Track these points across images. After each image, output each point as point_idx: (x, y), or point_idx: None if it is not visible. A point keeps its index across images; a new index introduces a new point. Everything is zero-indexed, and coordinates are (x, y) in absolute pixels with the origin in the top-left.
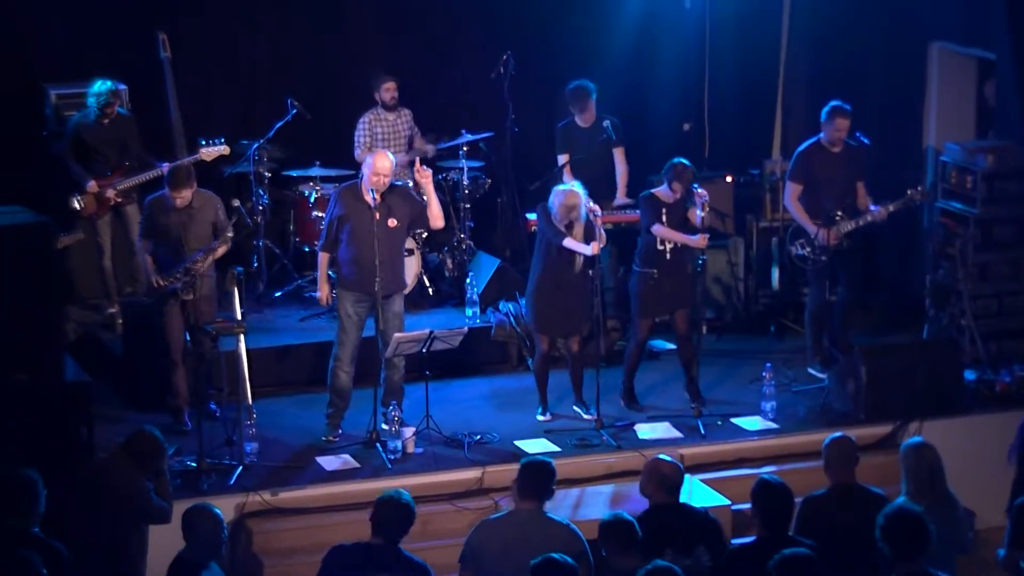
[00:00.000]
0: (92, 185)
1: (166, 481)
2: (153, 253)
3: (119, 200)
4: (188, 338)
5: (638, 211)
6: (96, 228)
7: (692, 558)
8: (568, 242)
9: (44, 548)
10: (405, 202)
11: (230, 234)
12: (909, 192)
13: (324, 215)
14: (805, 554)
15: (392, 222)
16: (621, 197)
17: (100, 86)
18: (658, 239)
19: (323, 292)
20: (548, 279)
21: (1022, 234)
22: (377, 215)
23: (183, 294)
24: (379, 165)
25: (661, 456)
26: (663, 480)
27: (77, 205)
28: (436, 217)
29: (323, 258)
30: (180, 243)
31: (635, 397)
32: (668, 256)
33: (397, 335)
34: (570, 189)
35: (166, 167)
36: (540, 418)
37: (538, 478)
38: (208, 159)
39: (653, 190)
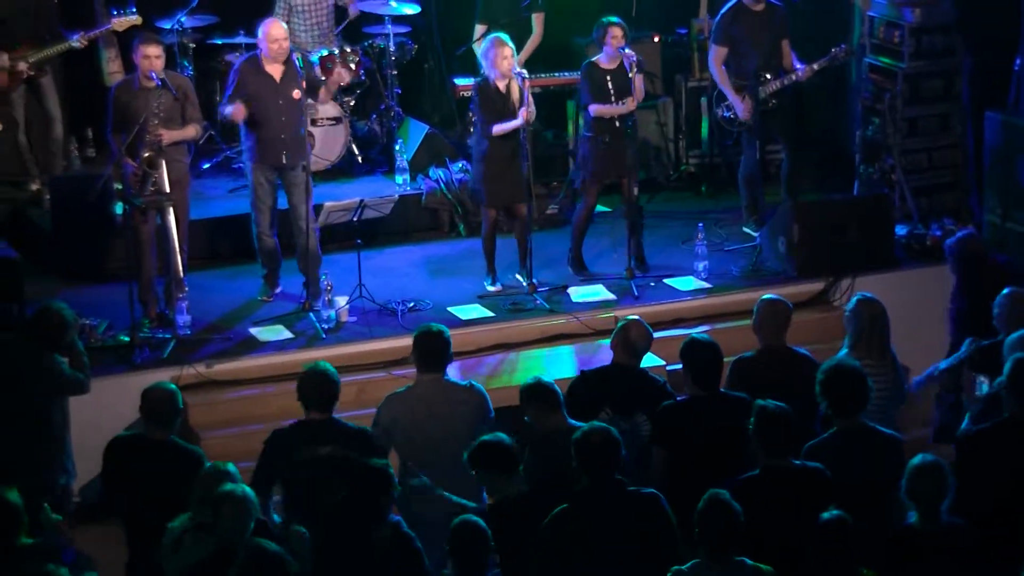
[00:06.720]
0: (3, 59)
1: (79, 353)
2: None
3: (31, 73)
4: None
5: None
6: (10, 101)
7: (630, 423)
8: (497, 128)
9: None
10: (299, 71)
11: (199, 120)
12: (833, 51)
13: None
14: (783, 408)
15: (296, 93)
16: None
17: None
18: None
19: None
20: (491, 154)
21: (950, 88)
22: (287, 87)
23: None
24: (273, 33)
25: (634, 318)
26: (626, 341)
27: None
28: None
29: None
30: (149, 125)
31: (583, 264)
32: (617, 123)
33: (328, 204)
34: (497, 37)
35: (78, 37)
36: (490, 288)
37: (434, 348)
38: (120, 29)
39: (593, 58)
